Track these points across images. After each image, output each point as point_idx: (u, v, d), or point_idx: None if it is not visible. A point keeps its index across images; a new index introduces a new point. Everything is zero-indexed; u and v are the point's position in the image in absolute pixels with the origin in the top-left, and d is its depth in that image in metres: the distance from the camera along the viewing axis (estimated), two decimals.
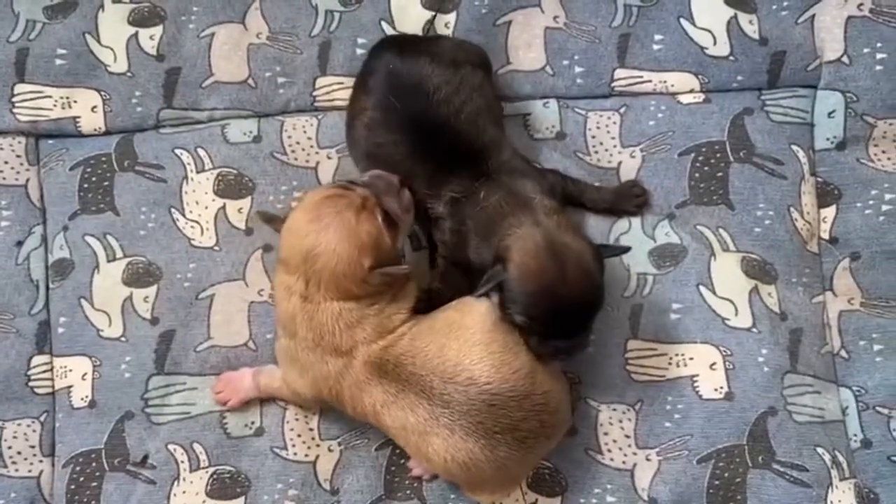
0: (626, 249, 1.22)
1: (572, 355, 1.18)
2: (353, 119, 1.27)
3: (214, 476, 1.29)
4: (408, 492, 1.29)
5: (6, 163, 1.38)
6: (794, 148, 1.35)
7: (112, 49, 1.40)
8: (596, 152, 1.36)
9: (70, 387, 1.33)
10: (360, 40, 1.39)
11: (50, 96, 1.39)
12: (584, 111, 1.37)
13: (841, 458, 1.28)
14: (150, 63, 1.40)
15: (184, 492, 1.29)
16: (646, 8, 1.39)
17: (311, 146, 1.37)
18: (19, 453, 1.32)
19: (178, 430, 1.30)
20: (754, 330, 1.29)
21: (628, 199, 1.33)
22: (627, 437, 1.28)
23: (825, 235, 1.35)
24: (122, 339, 1.33)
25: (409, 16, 1.39)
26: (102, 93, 1.39)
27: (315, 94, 1.39)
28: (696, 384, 1.29)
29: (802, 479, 1.26)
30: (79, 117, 1.39)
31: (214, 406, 1.31)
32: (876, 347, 1.31)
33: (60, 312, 1.34)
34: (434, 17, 1.39)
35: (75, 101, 1.39)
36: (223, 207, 1.36)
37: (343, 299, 1.13)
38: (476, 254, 1.20)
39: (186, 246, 1.35)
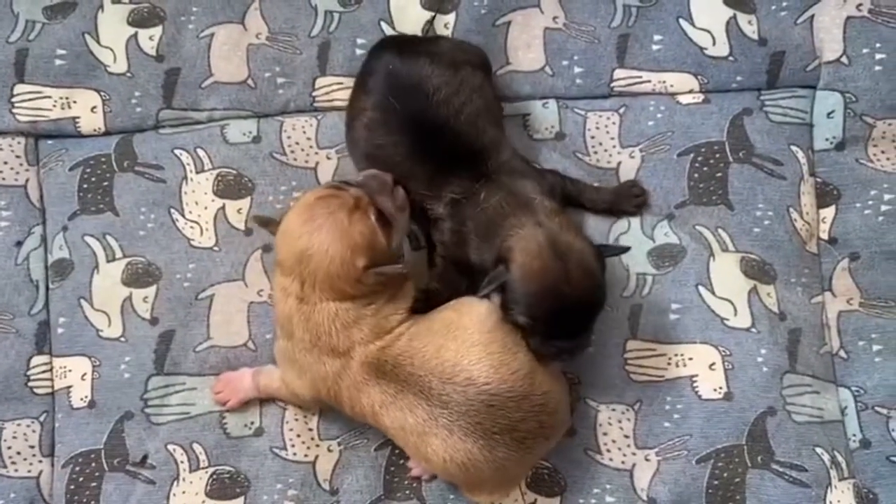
0: (626, 249, 1.23)
1: (574, 355, 1.18)
2: (352, 119, 1.27)
3: (214, 476, 1.29)
4: (407, 492, 1.29)
5: (6, 163, 1.38)
6: (794, 148, 1.35)
7: (112, 49, 1.40)
8: (595, 152, 1.36)
9: (69, 387, 1.33)
10: (359, 41, 1.39)
11: (49, 97, 1.39)
12: (584, 111, 1.37)
13: (840, 458, 1.28)
14: (150, 63, 1.40)
15: (183, 492, 1.29)
16: (645, 8, 1.39)
17: (311, 146, 1.37)
18: (19, 453, 1.32)
19: (177, 431, 1.30)
20: (753, 330, 1.29)
21: (627, 200, 1.33)
22: (626, 437, 1.28)
23: (824, 236, 1.35)
24: (122, 339, 1.33)
25: (409, 16, 1.39)
26: (102, 93, 1.39)
27: (314, 94, 1.39)
28: (695, 384, 1.29)
29: (801, 479, 1.26)
30: (78, 118, 1.39)
31: (214, 406, 1.31)
32: (875, 348, 1.31)
33: (60, 313, 1.34)
34: (433, 17, 1.39)
35: (75, 102, 1.39)
36: (223, 208, 1.36)
37: (339, 300, 1.13)
38: (477, 255, 1.20)
39: (186, 246, 1.35)
